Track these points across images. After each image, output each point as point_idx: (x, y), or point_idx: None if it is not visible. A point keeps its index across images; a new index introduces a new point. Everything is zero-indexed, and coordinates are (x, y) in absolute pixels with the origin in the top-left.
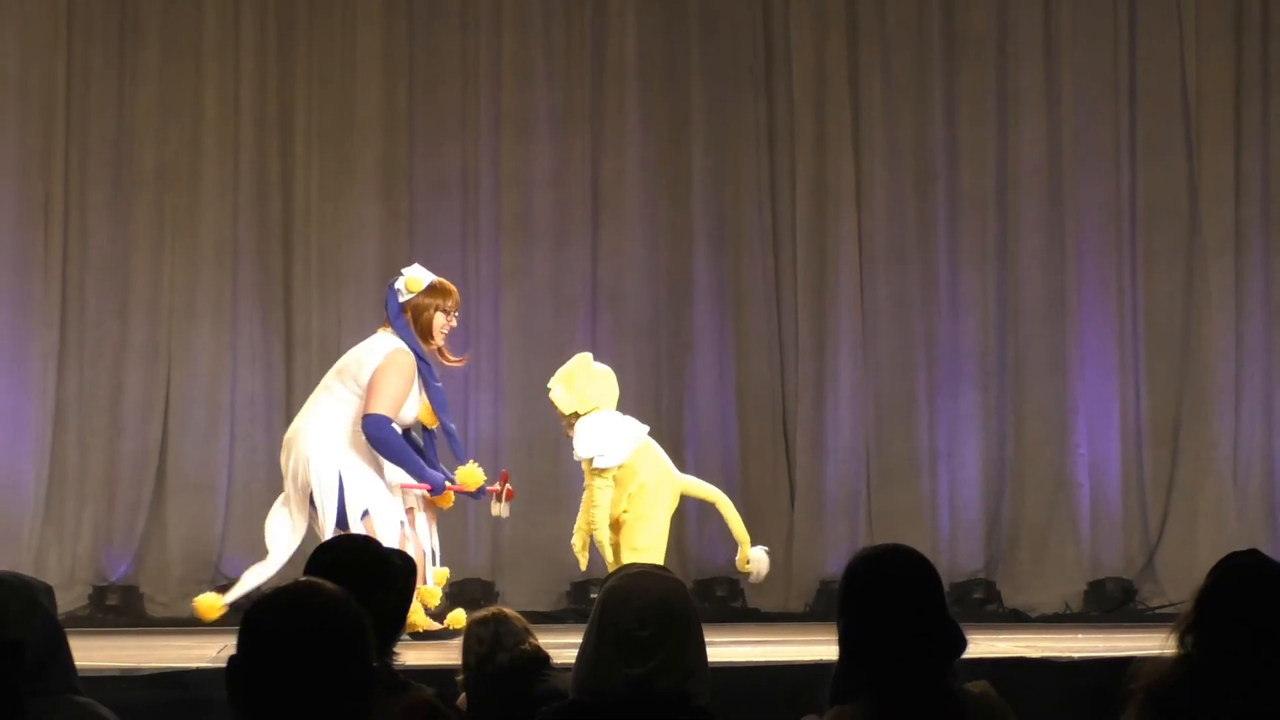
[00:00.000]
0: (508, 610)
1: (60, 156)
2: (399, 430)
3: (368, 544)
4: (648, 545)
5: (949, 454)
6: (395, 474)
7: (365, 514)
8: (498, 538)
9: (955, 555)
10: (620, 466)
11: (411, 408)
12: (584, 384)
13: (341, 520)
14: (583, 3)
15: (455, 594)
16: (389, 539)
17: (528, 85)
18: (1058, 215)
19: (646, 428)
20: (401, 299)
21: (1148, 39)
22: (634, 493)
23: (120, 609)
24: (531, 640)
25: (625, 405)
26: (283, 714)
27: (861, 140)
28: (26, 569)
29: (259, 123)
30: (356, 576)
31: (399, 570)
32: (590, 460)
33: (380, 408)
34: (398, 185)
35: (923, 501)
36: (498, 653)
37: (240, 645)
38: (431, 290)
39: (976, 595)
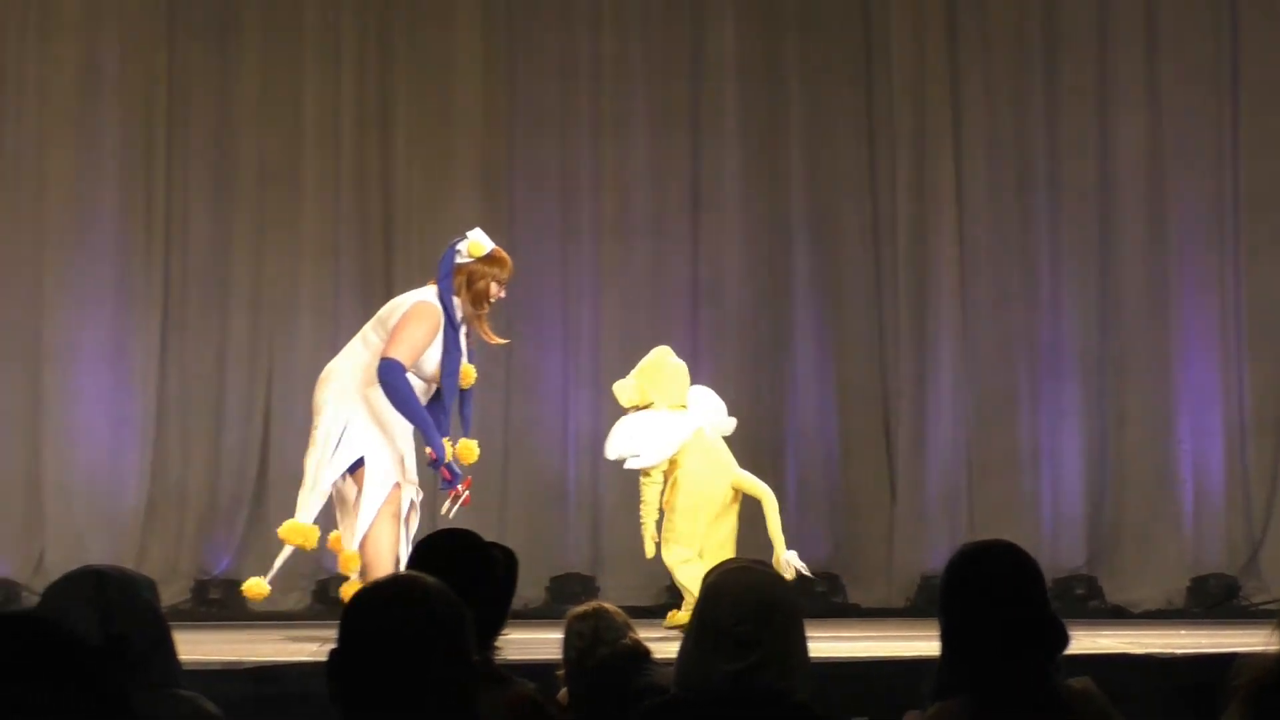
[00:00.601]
0: (608, 605)
1: (161, 154)
2: (418, 385)
3: (469, 537)
4: (685, 534)
5: (1050, 449)
6: (409, 449)
7: (359, 463)
8: (598, 533)
9: (1057, 551)
10: (665, 461)
11: (434, 360)
12: (648, 379)
13: (336, 466)
14: (681, 1)
15: (556, 589)
16: (374, 498)
17: (627, 83)
18: (1159, 209)
19: (706, 421)
20: (459, 260)
21: (1250, 32)
22: (674, 484)
23: (222, 603)
24: (632, 635)
25: (724, 401)
26: (384, 708)
27: (962, 136)
28: (129, 563)
29: (359, 120)
30: (457, 569)
31: (499, 563)
32: (624, 460)
33: (396, 353)
34: (497, 183)
35: (1024, 497)
36: (598, 647)
37: (341, 639)
38: (490, 259)
39: (1078, 591)
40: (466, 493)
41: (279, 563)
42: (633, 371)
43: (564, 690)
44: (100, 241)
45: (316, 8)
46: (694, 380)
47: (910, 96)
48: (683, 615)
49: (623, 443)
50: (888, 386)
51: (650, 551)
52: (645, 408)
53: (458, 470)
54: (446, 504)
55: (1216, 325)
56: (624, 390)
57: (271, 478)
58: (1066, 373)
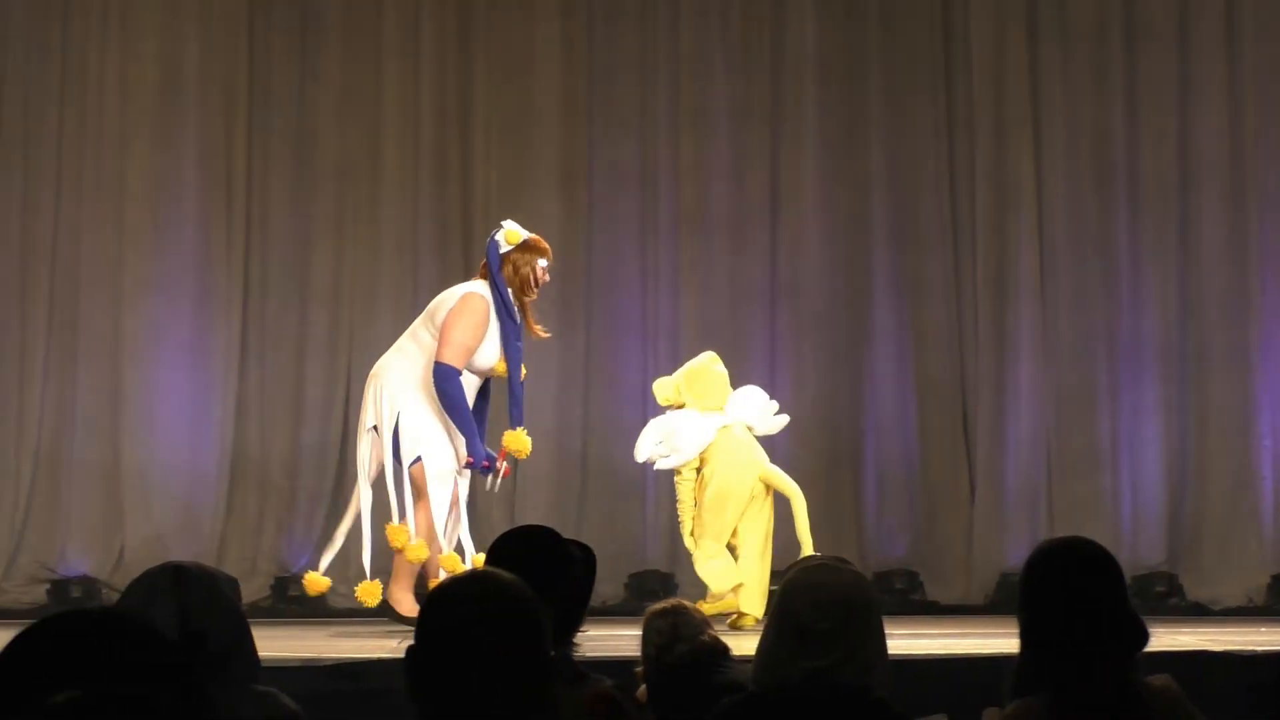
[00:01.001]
0: (686, 602)
1: (242, 151)
2: (471, 380)
3: (547, 534)
4: (713, 529)
5: (1130, 446)
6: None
7: (417, 460)
8: (675, 530)
9: (1137, 548)
10: (695, 459)
11: (488, 355)
12: (688, 382)
13: (396, 460)
14: None
15: (635, 586)
16: (439, 495)
17: (707, 79)
18: (1240, 206)
19: (735, 419)
20: (501, 250)
21: None
22: (701, 481)
23: (302, 600)
24: (710, 632)
25: (803, 400)
26: (460, 704)
27: (1042, 131)
28: (209, 559)
29: (439, 116)
30: (535, 566)
31: (578, 560)
32: (653, 462)
33: (448, 356)
34: (576, 178)
35: (1104, 494)
36: (676, 644)
37: (418, 636)
38: (527, 245)
39: (1158, 588)
40: (504, 464)
41: (367, 558)
42: (677, 371)
43: (643, 687)
44: (180, 238)
45: (396, 4)
46: (772, 377)
47: (990, 91)
48: (707, 606)
49: (650, 445)
50: (967, 383)
51: (691, 547)
52: (679, 407)
53: (493, 455)
54: (489, 479)
55: None
56: (662, 388)
57: (350, 474)
58: (1146, 368)
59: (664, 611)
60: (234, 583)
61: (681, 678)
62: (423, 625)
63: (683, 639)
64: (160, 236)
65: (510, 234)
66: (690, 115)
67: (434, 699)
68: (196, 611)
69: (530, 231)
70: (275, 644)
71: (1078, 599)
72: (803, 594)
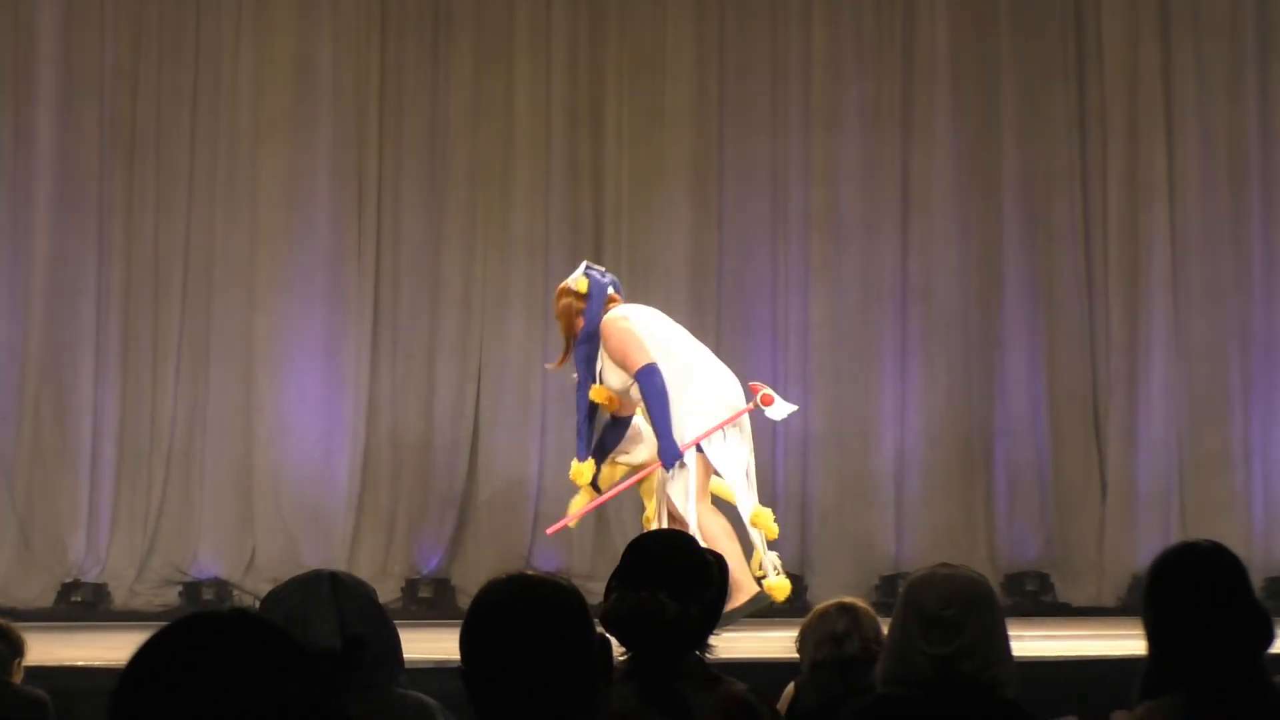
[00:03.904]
0: (859, 601)
1: (373, 154)
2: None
3: (686, 540)
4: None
5: (1263, 446)
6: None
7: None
8: (806, 531)
9: (1270, 548)
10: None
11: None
12: None
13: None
14: None
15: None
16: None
17: (838, 79)
18: None
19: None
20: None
21: None
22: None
23: (433, 601)
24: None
25: (934, 401)
26: (511, 702)
27: (1174, 129)
28: (340, 562)
29: (570, 118)
30: (675, 570)
31: (713, 565)
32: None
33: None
34: (708, 179)
35: (1236, 494)
36: (847, 642)
37: (465, 641)
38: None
39: None
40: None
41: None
42: None
43: (790, 688)
44: (312, 240)
45: (528, 6)
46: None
47: (1122, 90)
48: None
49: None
50: (1098, 383)
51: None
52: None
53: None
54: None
55: None
56: None
57: (481, 476)
58: (1279, 367)
59: (843, 609)
60: (374, 592)
61: (846, 680)
62: (470, 630)
63: (854, 637)
64: (292, 238)
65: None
66: (822, 115)
67: (485, 698)
68: (354, 617)
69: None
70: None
71: (1201, 601)
72: (926, 586)
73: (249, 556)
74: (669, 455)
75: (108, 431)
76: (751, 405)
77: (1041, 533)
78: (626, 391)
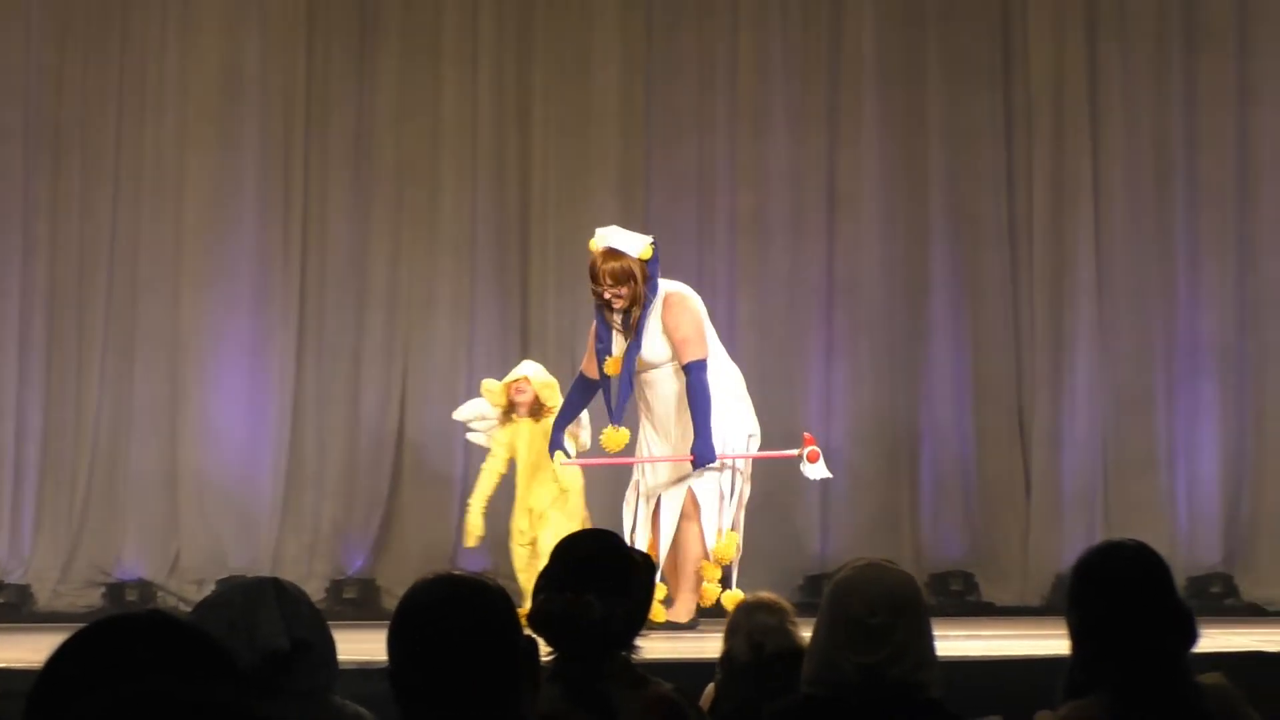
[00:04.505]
0: (782, 599)
1: (300, 154)
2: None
3: (612, 538)
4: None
5: (1187, 447)
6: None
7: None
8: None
9: (1193, 549)
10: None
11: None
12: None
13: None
14: (820, 0)
15: None
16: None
17: (765, 82)
18: None
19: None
20: None
21: None
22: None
23: (358, 602)
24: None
25: (859, 400)
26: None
27: (1100, 132)
28: (265, 563)
29: (497, 120)
30: (601, 570)
31: (640, 565)
32: None
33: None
34: (635, 181)
35: (1160, 495)
36: (769, 642)
37: (393, 641)
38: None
39: (1214, 589)
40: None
41: None
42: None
43: (710, 688)
44: (239, 240)
45: (455, 9)
46: (829, 377)
47: (1048, 92)
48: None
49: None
50: (1023, 383)
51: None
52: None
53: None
54: (805, 467)
55: None
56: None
57: (406, 477)
58: (1204, 369)
59: (768, 606)
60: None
61: (766, 678)
62: (398, 630)
63: (777, 635)
64: (218, 239)
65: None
66: (748, 118)
67: (412, 699)
68: (297, 622)
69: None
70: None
71: (1125, 600)
72: (855, 590)
73: (173, 558)
74: (707, 455)
75: (31, 432)
76: (796, 453)
77: (966, 532)
78: (652, 365)
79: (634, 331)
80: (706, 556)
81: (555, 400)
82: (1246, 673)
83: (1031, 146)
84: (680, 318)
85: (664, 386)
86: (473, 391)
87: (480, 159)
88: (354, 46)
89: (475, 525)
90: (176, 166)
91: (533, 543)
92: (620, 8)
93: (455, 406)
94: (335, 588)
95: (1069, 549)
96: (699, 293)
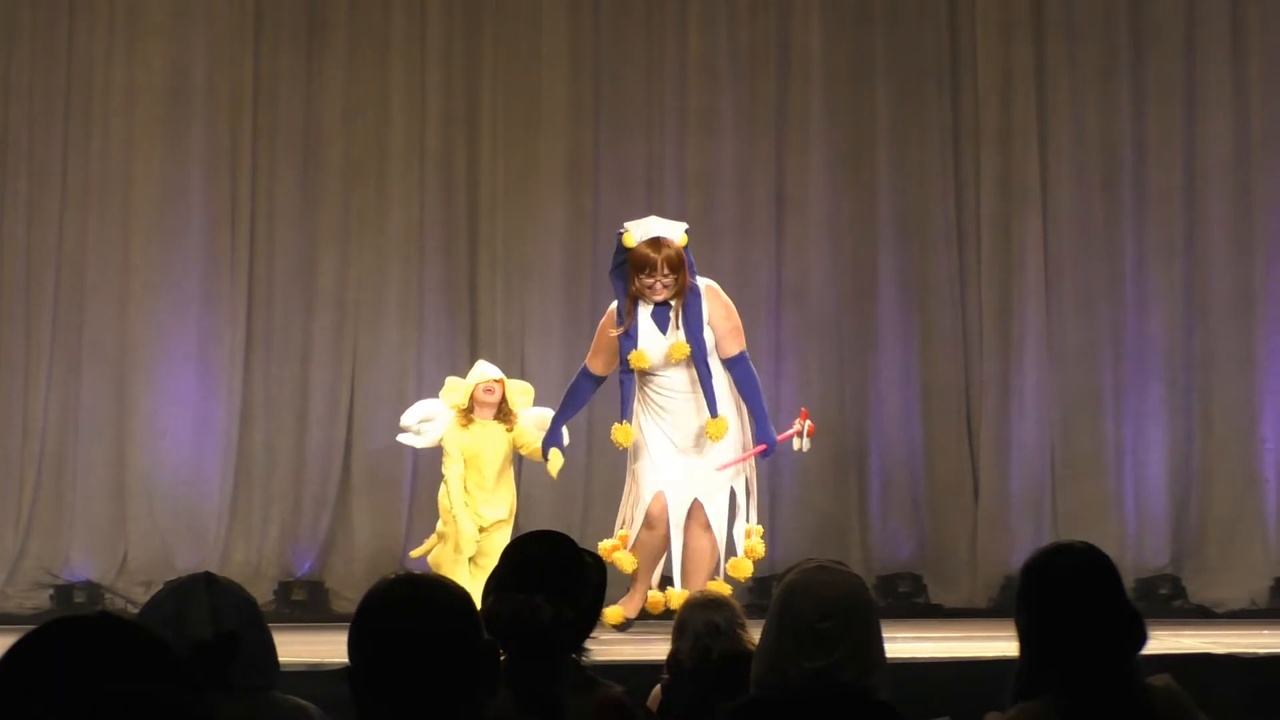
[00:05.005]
0: (730, 597)
1: (247, 156)
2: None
3: (564, 541)
4: None
5: (1135, 450)
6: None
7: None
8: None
9: (1141, 551)
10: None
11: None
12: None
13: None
14: (768, 1)
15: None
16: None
17: (713, 83)
18: (1246, 209)
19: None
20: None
21: None
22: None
23: (306, 604)
24: (748, 633)
25: (808, 403)
26: (397, 706)
27: (1047, 135)
28: (213, 565)
29: (445, 121)
30: (553, 572)
31: (592, 568)
32: None
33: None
34: (583, 182)
35: (1108, 497)
36: (718, 642)
37: (353, 642)
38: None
39: (1162, 591)
40: (807, 423)
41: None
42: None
43: (656, 690)
44: (186, 244)
45: (403, 9)
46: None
47: (996, 95)
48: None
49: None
50: (971, 386)
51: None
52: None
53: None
54: (795, 440)
55: None
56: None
57: (355, 480)
58: (1151, 372)
59: (715, 604)
60: (254, 600)
61: (713, 679)
62: (356, 632)
63: (725, 636)
64: (166, 242)
65: (626, 237)
66: (696, 119)
67: (371, 701)
68: (228, 615)
69: (639, 232)
70: (280, 649)
71: (1073, 603)
72: (804, 594)
73: (121, 559)
74: (773, 440)
75: None
76: (797, 430)
77: (914, 534)
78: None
79: (679, 323)
80: (717, 573)
81: (526, 406)
82: (1195, 675)
83: (979, 150)
84: (728, 310)
85: (678, 380)
86: (424, 393)
87: (428, 160)
88: (301, 49)
89: (473, 533)
90: (124, 171)
91: (472, 558)
92: (568, 9)
93: (404, 408)
94: (284, 590)
95: (1017, 551)
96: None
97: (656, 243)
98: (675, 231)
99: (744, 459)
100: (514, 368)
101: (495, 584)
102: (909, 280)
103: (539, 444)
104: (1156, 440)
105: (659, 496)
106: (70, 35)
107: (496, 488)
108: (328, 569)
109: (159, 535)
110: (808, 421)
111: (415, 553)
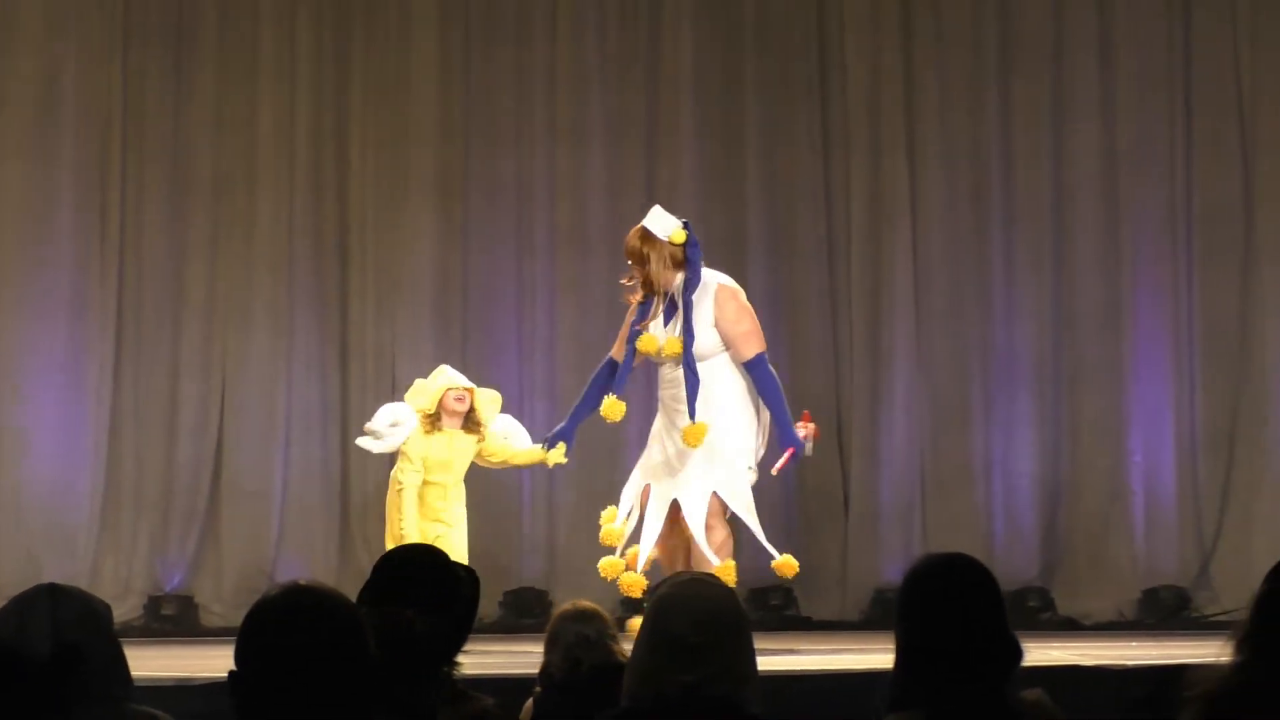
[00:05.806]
0: (600, 608)
1: (116, 167)
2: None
3: (434, 554)
4: None
5: (1003, 461)
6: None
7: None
8: (553, 543)
9: (1010, 563)
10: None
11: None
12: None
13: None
14: (637, 12)
15: (510, 603)
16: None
17: (582, 94)
18: (1113, 220)
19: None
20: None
21: (1202, 42)
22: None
23: (175, 619)
24: (621, 646)
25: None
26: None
27: (916, 146)
28: (82, 579)
29: (314, 132)
30: (423, 586)
31: (464, 580)
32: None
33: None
34: (453, 194)
35: (977, 509)
36: (590, 655)
37: (239, 654)
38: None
39: (1031, 603)
40: (810, 425)
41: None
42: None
43: (529, 703)
44: (54, 252)
45: (272, 20)
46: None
47: (865, 106)
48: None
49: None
50: (841, 397)
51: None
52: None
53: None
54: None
55: (1169, 337)
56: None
57: (224, 493)
58: (1020, 384)
59: (585, 616)
60: (107, 607)
61: (584, 691)
62: (244, 642)
63: (596, 648)
64: (33, 253)
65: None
66: (566, 130)
67: (258, 715)
68: (70, 626)
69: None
70: (148, 663)
71: (957, 617)
72: (676, 608)
73: None
74: (800, 444)
75: None
76: (804, 434)
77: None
78: (700, 357)
79: (671, 317)
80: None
81: (492, 416)
82: (1063, 686)
83: (849, 161)
84: (740, 313)
85: (678, 377)
86: (294, 404)
87: (298, 171)
88: (171, 59)
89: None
90: None
91: None
92: (438, 20)
93: (274, 419)
94: (153, 604)
95: (888, 563)
96: (517, 305)
97: (634, 233)
98: (662, 225)
99: (783, 464)
100: (384, 378)
101: (366, 596)
102: (779, 292)
103: (507, 454)
104: (1025, 451)
105: (646, 489)
106: None
107: (448, 498)
108: (197, 583)
109: (26, 548)
110: (811, 424)
111: None
